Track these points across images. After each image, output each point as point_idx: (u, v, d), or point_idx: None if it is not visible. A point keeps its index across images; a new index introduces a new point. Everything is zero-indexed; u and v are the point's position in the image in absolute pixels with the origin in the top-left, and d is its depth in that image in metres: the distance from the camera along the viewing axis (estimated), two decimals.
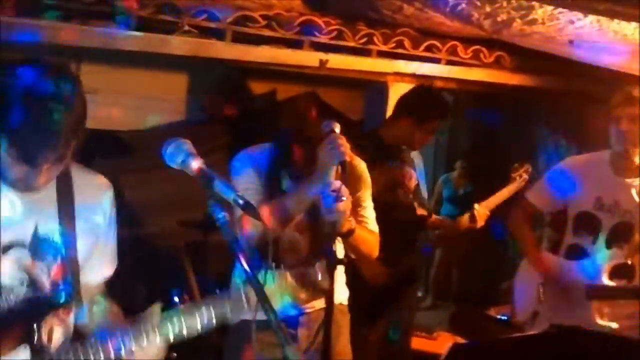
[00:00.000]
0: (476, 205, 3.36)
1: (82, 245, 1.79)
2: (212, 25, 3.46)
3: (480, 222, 3.33)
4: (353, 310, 3.27)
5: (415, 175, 3.42)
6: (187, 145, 1.75)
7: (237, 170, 2.47)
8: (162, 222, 3.55)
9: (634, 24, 3.04)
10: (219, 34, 3.49)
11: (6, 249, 1.68)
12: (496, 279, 5.15)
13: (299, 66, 3.86)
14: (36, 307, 1.71)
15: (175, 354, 1.96)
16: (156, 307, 1.75)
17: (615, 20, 3.04)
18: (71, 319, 1.80)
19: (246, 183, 2.41)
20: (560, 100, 5.08)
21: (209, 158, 1.79)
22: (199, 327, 1.72)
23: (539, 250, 3.19)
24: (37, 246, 1.72)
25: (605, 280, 2.85)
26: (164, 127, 3.74)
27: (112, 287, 1.96)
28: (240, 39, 3.55)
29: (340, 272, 2.64)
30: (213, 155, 3.53)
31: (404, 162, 3.35)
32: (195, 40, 3.41)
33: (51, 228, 1.74)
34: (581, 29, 3.26)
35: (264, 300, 1.57)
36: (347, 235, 2.36)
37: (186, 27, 3.38)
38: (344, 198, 2.19)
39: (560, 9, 3.06)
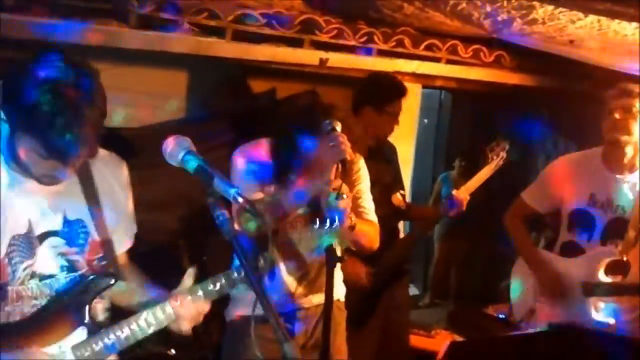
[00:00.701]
0: (454, 191, 3.33)
1: (109, 222, 1.88)
2: (213, 23, 3.46)
3: (461, 207, 3.29)
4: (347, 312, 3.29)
5: (392, 169, 3.40)
6: (187, 142, 1.76)
7: (236, 167, 2.47)
8: (161, 218, 3.55)
9: (634, 24, 3.05)
10: (219, 32, 3.50)
11: (42, 239, 1.77)
12: (495, 277, 5.16)
13: (299, 65, 3.86)
14: (82, 289, 1.81)
15: (173, 350, 2.00)
16: (188, 276, 1.89)
17: (616, 20, 3.05)
18: (110, 292, 1.88)
19: (245, 179, 2.41)
20: (560, 99, 5.08)
21: (209, 156, 1.80)
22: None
23: (534, 248, 3.18)
24: (69, 232, 1.81)
25: (601, 277, 2.85)
26: (164, 125, 3.74)
27: None
28: (241, 37, 3.56)
29: (337, 269, 2.65)
30: (213, 153, 3.53)
31: (376, 159, 3.32)
32: (195, 38, 3.41)
33: (79, 212, 1.83)
34: (581, 28, 3.27)
35: (262, 296, 1.58)
36: (351, 229, 2.38)
37: (186, 25, 3.38)
38: (344, 196, 2.20)
39: (560, 9, 3.07)
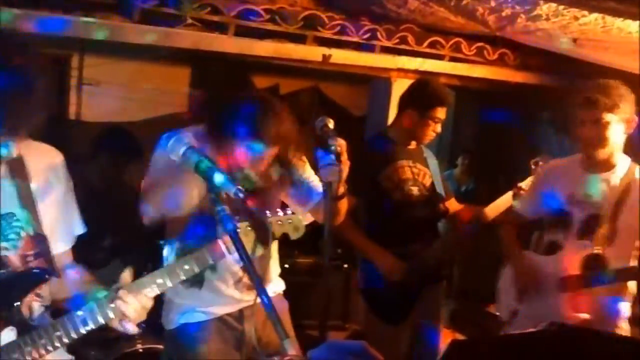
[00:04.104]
0: (521, 184, 3.35)
1: (45, 217, 1.77)
2: (216, 18, 3.45)
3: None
4: (380, 309, 3.31)
5: (429, 171, 3.43)
6: (188, 138, 1.76)
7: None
8: None
9: (638, 22, 3.04)
10: (222, 28, 3.49)
11: None
12: (497, 276, 5.14)
13: (302, 61, 3.86)
14: (10, 286, 1.70)
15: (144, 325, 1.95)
16: (126, 273, 1.79)
17: (620, 18, 3.04)
18: (46, 291, 1.79)
19: None
20: (564, 98, 5.06)
21: None
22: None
23: (516, 250, 3.23)
24: None
25: (578, 272, 2.90)
26: (166, 119, 3.74)
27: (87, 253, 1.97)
28: (244, 32, 3.55)
29: (274, 264, 2.66)
30: None
31: (415, 160, 3.36)
32: (198, 33, 3.41)
33: (10, 206, 1.73)
34: (585, 25, 3.26)
35: (261, 290, 1.58)
36: (339, 199, 2.37)
37: (189, 21, 3.37)
38: (342, 159, 2.18)
39: (564, 6, 3.06)
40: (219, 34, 3.48)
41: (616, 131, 2.79)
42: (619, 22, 3.09)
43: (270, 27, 3.62)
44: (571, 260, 2.91)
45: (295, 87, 4.12)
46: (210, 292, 2.47)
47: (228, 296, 2.49)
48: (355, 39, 3.93)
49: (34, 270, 1.74)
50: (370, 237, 3.27)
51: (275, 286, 2.68)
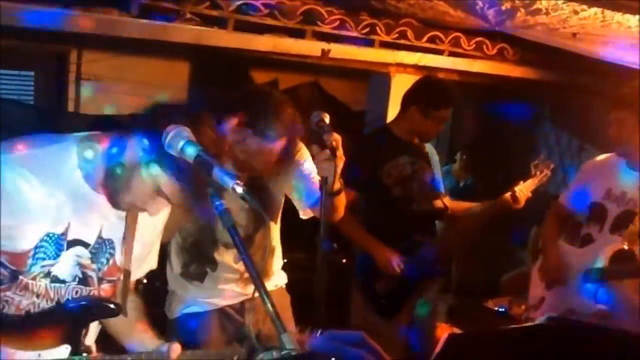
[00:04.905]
0: (517, 187, 3.36)
1: (138, 250, 1.88)
2: (215, 13, 3.45)
3: (522, 203, 3.32)
4: (375, 301, 3.32)
5: (431, 168, 3.43)
6: (187, 132, 1.75)
7: None
8: None
9: (638, 17, 3.04)
10: (221, 23, 3.48)
11: (70, 245, 1.76)
12: (496, 272, 5.16)
13: (301, 55, 3.85)
14: (85, 308, 1.79)
15: None
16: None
17: (619, 12, 3.04)
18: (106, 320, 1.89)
19: None
20: (562, 93, 5.06)
21: None
22: None
23: (555, 243, 3.26)
24: (98, 248, 1.81)
25: (604, 265, 2.95)
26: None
27: None
28: (243, 27, 3.54)
29: (278, 257, 2.67)
30: None
31: (417, 156, 3.36)
32: (197, 28, 3.40)
33: (113, 232, 1.82)
34: (585, 19, 3.26)
35: (260, 286, 1.57)
36: (335, 194, 2.37)
37: (188, 15, 3.37)
38: (338, 154, 2.18)
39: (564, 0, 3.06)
40: (218, 28, 3.48)
41: None
42: (618, 16, 3.10)
43: (269, 21, 3.60)
44: (600, 252, 2.96)
45: (295, 82, 4.12)
46: (212, 285, 2.50)
47: (229, 289, 2.51)
48: (354, 34, 3.92)
49: (109, 302, 1.83)
50: (370, 232, 3.27)
51: (277, 280, 2.68)
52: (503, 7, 3.45)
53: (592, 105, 4.58)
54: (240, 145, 2.35)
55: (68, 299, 1.78)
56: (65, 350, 1.74)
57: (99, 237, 1.80)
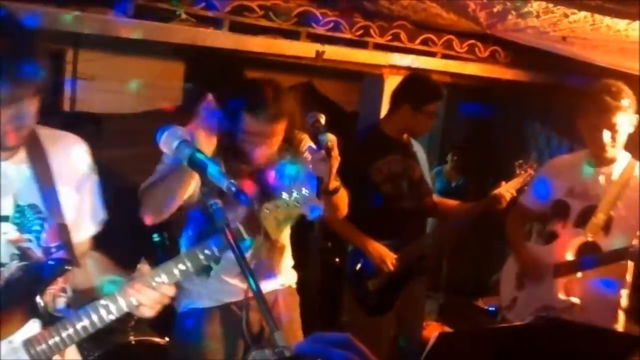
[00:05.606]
0: (500, 188, 3.40)
1: (67, 207, 1.76)
2: (210, 14, 3.47)
3: (505, 203, 3.37)
4: (366, 298, 3.35)
5: (419, 166, 3.47)
6: (181, 131, 1.78)
7: None
8: None
9: (627, 21, 3.08)
10: (216, 23, 3.51)
11: None
12: (485, 271, 5.20)
13: (296, 57, 3.87)
14: (33, 278, 1.68)
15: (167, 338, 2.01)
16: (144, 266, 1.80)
17: (609, 16, 3.08)
18: (70, 281, 1.79)
19: None
20: (553, 95, 5.11)
21: None
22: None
23: (523, 243, 3.34)
24: (21, 218, 1.69)
25: (570, 258, 3.02)
26: (160, 113, 3.76)
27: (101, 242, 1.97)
28: (238, 28, 3.57)
29: (287, 256, 2.68)
30: None
31: (406, 154, 3.40)
32: (192, 28, 3.42)
33: (32, 197, 1.71)
34: (575, 23, 3.30)
35: (255, 285, 1.60)
36: (332, 193, 2.39)
37: (184, 16, 3.39)
38: (333, 154, 2.20)
39: (554, 3, 3.10)
40: (213, 29, 3.50)
41: (624, 131, 2.90)
42: (607, 20, 3.14)
43: (264, 23, 3.63)
44: (566, 247, 3.03)
45: (289, 82, 4.14)
46: (217, 281, 2.53)
47: (233, 285, 2.54)
48: (348, 36, 3.95)
49: (55, 261, 1.72)
50: (359, 229, 3.30)
51: (286, 278, 2.70)
52: (494, 10, 3.49)
53: (582, 107, 4.61)
54: (242, 134, 2.39)
55: (7, 278, 1.66)
56: (34, 324, 1.66)
57: (16, 206, 1.68)
